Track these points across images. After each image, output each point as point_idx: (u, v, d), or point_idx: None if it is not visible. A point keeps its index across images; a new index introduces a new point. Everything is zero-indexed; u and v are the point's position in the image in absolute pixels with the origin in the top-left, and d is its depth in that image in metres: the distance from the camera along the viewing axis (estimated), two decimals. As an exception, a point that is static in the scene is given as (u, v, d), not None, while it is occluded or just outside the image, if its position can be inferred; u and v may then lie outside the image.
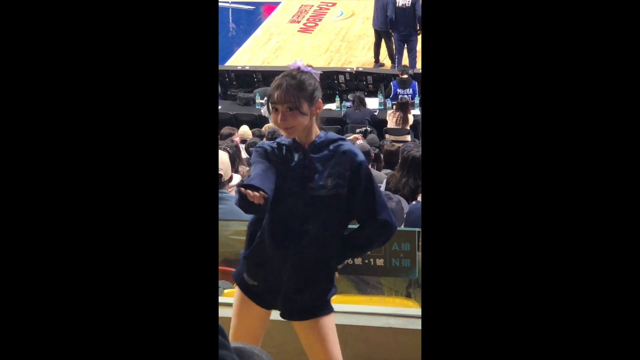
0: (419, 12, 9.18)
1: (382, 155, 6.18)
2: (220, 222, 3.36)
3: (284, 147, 2.11)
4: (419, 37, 9.42)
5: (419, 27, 9.27)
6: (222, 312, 2.55)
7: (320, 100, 2.11)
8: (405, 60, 9.56)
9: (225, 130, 6.61)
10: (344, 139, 2.17)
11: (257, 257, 2.17)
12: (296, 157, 2.09)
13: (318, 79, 2.13)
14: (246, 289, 2.23)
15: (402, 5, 9.27)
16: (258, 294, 2.21)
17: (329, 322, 2.22)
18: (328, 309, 2.22)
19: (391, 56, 9.97)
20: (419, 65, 9.35)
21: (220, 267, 3.27)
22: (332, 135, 2.15)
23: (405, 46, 9.60)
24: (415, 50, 9.52)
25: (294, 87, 2.03)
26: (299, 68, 2.09)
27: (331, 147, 2.10)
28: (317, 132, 2.12)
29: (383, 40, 9.94)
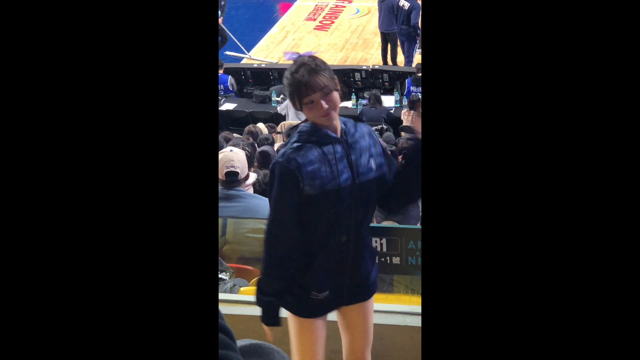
0: (413, 19, 9.32)
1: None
2: (236, 220, 3.39)
3: (318, 140, 2.00)
4: (418, 44, 9.59)
5: (418, 34, 9.44)
6: (237, 310, 2.57)
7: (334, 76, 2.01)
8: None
9: (248, 128, 6.72)
10: (355, 122, 2.12)
11: (322, 270, 2.10)
12: (338, 148, 2.00)
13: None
14: (311, 310, 2.17)
15: (402, 5, 9.39)
16: (328, 303, 2.18)
17: (373, 302, 2.30)
18: (375, 287, 2.28)
19: (393, 58, 10.03)
20: (414, 64, 9.47)
21: (236, 265, 3.28)
22: (347, 119, 2.09)
23: (405, 48, 9.72)
24: (412, 54, 9.65)
25: (319, 70, 1.93)
26: (300, 55, 2.00)
27: (359, 129, 2.07)
28: (337, 116, 2.02)
29: (389, 42, 10.01)
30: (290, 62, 2.00)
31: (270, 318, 2.13)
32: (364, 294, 2.24)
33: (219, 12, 10.21)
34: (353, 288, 2.18)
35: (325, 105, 1.92)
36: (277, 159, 2.00)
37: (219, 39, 10.39)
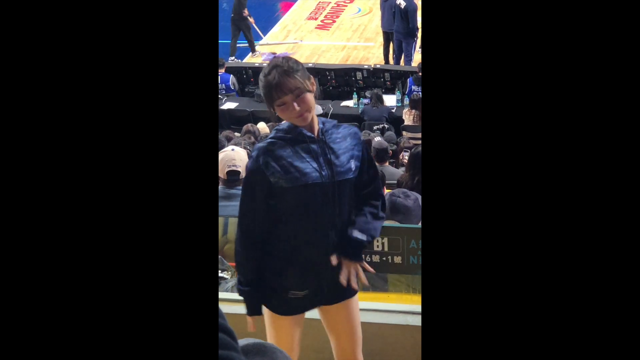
0: (412, 22, 9.34)
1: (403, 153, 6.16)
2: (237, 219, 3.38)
3: (291, 139, 2.03)
4: (417, 42, 9.60)
5: (416, 33, 9.52)
6: (238, 309, 2.57)
7: (311, 76, 2.04)
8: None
9: (246, 127, 6.76)
10: (340, 124, 2.15)
11: (301, 264, 2.11)
12: (313, 146, 2.03)
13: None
14: (293, 307, 2.19)
15: (398, 3, 9.41)
16: (306, 303, 2.19)
17: (357, 301, 2.28)
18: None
19: (393, 57, 10.08)
20: (414, 63, 9.52)
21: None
22: (328, 120, 2.12)
23: (403, 47, 9.74)
24: (411, 54, 9.68)
25: (291, 72, 1.94)
26: (275, 56, 2.05)
27: (341, 129, 2.09)
28: (315, 117, 2.06)
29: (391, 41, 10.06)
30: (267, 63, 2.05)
31: (250, 308, 2.16)
32: (346, 291, 2.21)
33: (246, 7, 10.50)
34: (333, 285, 2.16)
35: (297, 107, 1.94)
36: (250, 160, 2.09)
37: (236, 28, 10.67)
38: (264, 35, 11.55)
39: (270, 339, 2.22)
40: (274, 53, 2.19)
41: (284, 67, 1.95)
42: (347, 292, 2.21)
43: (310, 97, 1.97)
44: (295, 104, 1.94)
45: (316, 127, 2.03)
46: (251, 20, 10.71)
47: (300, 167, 2.01)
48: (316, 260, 2.10)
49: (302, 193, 2.02)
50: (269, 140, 2.05)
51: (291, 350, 2.22)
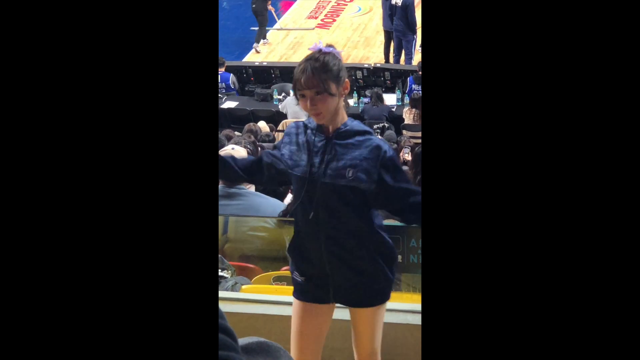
0: (411, 16, 9.32)
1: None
2: (237, 219, 3.39)
3: (310, 129, 2.08)
4: (418, 40, 9.57)
5: (414, 28, 9.48)
6: (238, 308, 2.57)
7: (347, 79, 2.04)
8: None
9: (248, 126, 6.79)
10: (371, 132, 2.09)
11: (299, 250, 2.16)
12: (318, 141, 2.05)
13: (341, 58, 2.07)
14: (299, 292, 2.23)
15: (395, 3, 9.39)
16: (309, 291, 2.20)
17: (381, 312, 2.25)
18: (383, 299, 2.23)
19: (390, 56, 10.08)
20: (414, 62, 9.50)
21: (238, 263, 3.28)
22: (359, 125, 2.08)
23: (404, 45, 9.72)
24: (412, 52, 9.66)
25: (319, 70, 1.95)
26: (320, 50, 2.02)
27: (357, 138, 2.04)
28: (344, 118, 2.05)
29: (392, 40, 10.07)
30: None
31: None
32: (351, 299, 2.20)
33: None
34: (337, 288, 2.17)
35: (310, 105, 1.97)
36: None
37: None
38: (279, 19, 11.99)
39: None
40: (331, 46, 2.11)
41: (317, 62, 1.97)
42: (360, 301, 2.19)
43: (330, 100, 1.96)
44: (309, 101, 1.96)
45: (334, 126, 2.04)
46: (271, 8, 11.07)
47: (299, 158, 2.06)
48: (310, 251, 2.14)
49: (294, 181, 2.10)
50: (301, 122, 2.15)
51: (293, 336, 2.23)
